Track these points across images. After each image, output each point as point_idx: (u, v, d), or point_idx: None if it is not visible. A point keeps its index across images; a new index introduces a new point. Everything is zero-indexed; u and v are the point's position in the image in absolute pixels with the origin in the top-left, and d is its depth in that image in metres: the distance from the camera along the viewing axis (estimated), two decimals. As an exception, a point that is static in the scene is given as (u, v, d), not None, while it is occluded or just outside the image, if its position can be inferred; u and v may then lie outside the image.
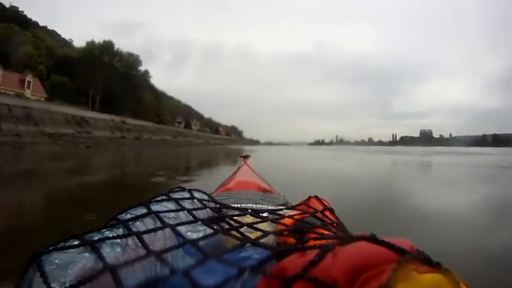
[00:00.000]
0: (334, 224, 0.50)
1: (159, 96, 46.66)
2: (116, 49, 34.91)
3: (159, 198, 0.51)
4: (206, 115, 74.56)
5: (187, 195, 0.57)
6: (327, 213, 0.55)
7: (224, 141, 62.61)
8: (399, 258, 0.24)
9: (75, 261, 0.30)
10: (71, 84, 29.75)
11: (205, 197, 0.60)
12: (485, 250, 1.64)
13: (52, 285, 0.28)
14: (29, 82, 25.47)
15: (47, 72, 28.63)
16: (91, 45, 33.63)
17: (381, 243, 0.27)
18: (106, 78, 30.76)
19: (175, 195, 0.54)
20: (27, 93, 24.60)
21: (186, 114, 56.03)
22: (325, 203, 0.60)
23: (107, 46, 34.11)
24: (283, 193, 1.04)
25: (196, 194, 0.59)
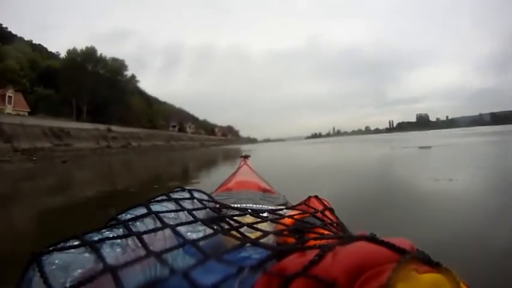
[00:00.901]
0: (334, 224, 0.50)
1: (151, 102, 45.68)
2: (99, 55, 33.33)
3: (159, 199, 0.51)
4: (201, 117, 74.16)
5: (187, 195, 0.57)
6: (327, 213, 0.55)
7: (220, 142, 61.78)
8: (399, 258, 0.24)
9: (75, 261, 0.30)
10: (55, 96, 28.72)
11: (205, 197, 0.60)
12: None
13: (52, 285, 0.28)
14: (9, 97, 24.32)
15: (30, 85, 27.59)
16: (73, 53, 32.04)
17: (381, 243, 0.26)
18: (91, 86, 29.62)
19: (175, 195, 0.54)
20: (8, 108, 23.52)
21: (180, 118, 55.21)
22: (325, 203, 0.60)
23: (89, 53, 32.41)
24: (283, 193, 1.03)
25: (196, 194, 0.59)
